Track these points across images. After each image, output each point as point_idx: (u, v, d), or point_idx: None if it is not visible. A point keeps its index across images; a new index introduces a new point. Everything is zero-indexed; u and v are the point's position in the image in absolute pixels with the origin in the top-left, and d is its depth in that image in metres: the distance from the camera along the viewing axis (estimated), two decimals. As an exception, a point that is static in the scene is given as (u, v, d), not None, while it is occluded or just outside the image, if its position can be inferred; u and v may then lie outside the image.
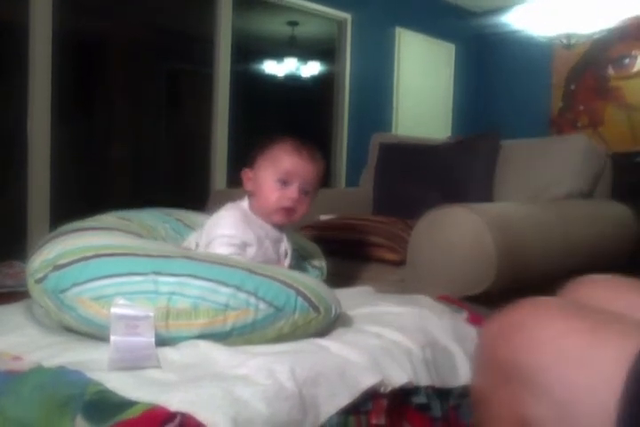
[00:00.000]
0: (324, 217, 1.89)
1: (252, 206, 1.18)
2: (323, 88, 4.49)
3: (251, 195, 1.19)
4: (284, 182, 1.15)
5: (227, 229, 1.12)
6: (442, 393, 0.89)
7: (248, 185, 1.19)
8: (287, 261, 1.21)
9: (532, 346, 0.56)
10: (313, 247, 1.40)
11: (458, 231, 1.34)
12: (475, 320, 1.12)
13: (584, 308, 0.61)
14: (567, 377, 0.52)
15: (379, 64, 4.25)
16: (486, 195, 1.88)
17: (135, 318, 0.80)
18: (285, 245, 1.22)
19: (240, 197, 1.22)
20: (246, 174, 1.20)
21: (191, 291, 0.83)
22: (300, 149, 1.17)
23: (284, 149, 1.17)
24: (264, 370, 0.73)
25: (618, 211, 1.86)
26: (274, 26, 4.84)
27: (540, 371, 0.54)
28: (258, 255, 1.13)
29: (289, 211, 1.15)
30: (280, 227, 1.20)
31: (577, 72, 4.43)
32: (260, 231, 1.16)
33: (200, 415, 0.63)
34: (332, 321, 0.93)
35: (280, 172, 1.14)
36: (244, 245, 1.11)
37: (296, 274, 0.99)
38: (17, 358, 0.81)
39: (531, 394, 0.55)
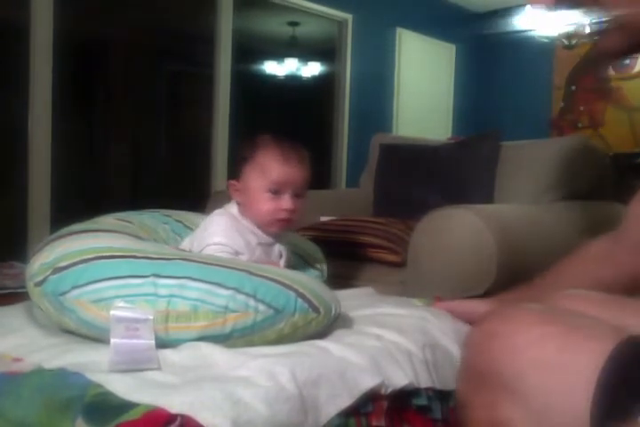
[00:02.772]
0: (324, 218, 1.89)
1: (242, 213, 1.16)
2: (323, 88, 4.49)
3: (241, 204, 1.17)
4: (276, 192, 1.12)
5: (217, 237, 1.10)
6: (442, 395, 0.89)
7: (236, 196, 1.17)
8: (282, 263, 1.19)
9: (508, 353, 0.57)
10: (313, 248, 1.40)
11: (458, 233, 1.35)
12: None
13: (561, 313, 0.62)
14: (541, 382, 0.54)
15: (379, 65, 4.25)
16: (487, 196, 1.88)
17: (135, 320, 0.80)
18: (279, 248, 1.20)
19: (228, 201, 1.20)
20: (233, 186, 1.17)
21: (190, 293, 0.83)
22: (287, 156, 1.12)
23: (271, 158, 1.12)
24: (264, 372, 0.73)
25: (618, 212, 1.86)
26: (274, 26, 4.84)
27: (517, 377, 0.55)
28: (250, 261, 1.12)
29: (286, 220, 1.14)
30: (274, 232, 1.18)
31: (578, 73, 4.43)
32: (250, 238, 1.14)
33: (200, 417, 0.63)
34: (332, 321, 0.93)
35: (271, 182, 1.11)
36: (235, 254, 1.10)
37: (295, 274, 0.99)
38: (17, 359, 0.81)
39: (507, 399, 0.56)
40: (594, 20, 0.61)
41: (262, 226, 1.15)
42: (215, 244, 1.09)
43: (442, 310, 1.09)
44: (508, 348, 0.57)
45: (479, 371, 0.60)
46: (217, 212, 1.17)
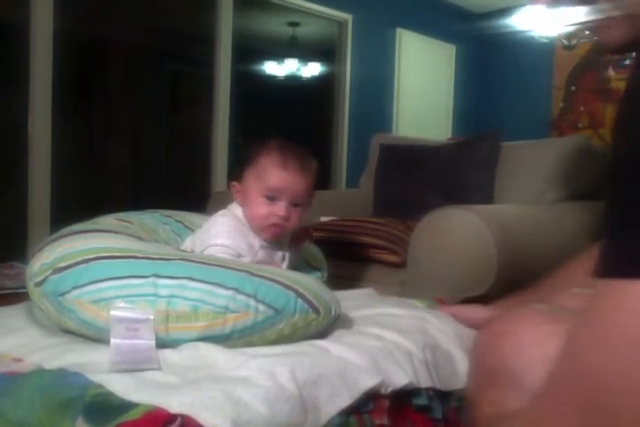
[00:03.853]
0: (324, 218, 1.89)
1: (245, 216, 1.16)
2: (323, 89, 4.49)
3: (241, 206, 1.17)
4: (272, 198, 1.11)
5: (219, 238, 1.09)
6: (443, 395, 0.89)
7: (237, 197, 1.17)
8: (284, 267, 1.19)
9: (515, 350, 0.60)
10: (313, 249, 1.40)
11: (458, 233, 1.35)
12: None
13: (566, 312, 0.64)
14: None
15: (379, 65, 4.25)
16: (487, 196, 1.88)
17: (135, 320, 0.80)
18: (283, 252, 1.20)
19: (228, 201, 1.20)
20: (234, 187, 1.17)
21: (191, 293, 0.83)
22: (286, 162, 1.10)
23: (270, 163, 1.11)
24: (264, 372, 0.73)
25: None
26: (274, 26, 4.84)
27: (524, 372, 0.58)
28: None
29: (278, 227, 1.12)
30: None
31: (577, 73, 4.43)
32: (253, 240, 1.14)
33: (200, 417, 0.63)
34: (332, 322, 0.93)
35: (266, 188, 1.10)
36: (237, 256, 1.09)
37: (295, 275, 0.99)
38: (17, 359, 0.81)
39: (515, 393, 0.58)
40: (593, 16, 0.60)
41: (255, 230, 1.14)
42: (217, 245, 1.08)
43: (446, 314, 1.09)
44: (516, 346, 0.60)
45: (488, 369, 0.63)
46: (221, 212, 1.17)
